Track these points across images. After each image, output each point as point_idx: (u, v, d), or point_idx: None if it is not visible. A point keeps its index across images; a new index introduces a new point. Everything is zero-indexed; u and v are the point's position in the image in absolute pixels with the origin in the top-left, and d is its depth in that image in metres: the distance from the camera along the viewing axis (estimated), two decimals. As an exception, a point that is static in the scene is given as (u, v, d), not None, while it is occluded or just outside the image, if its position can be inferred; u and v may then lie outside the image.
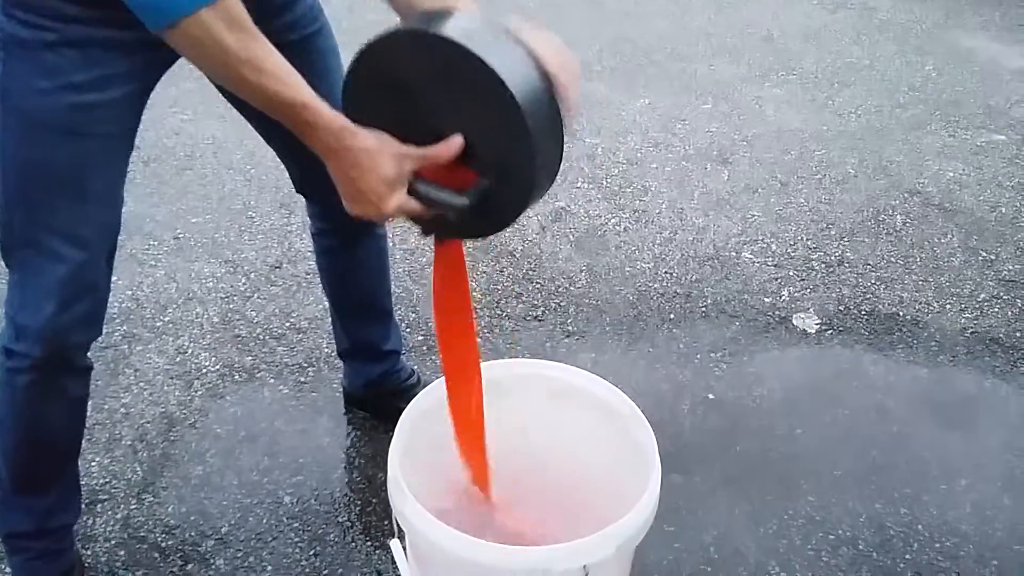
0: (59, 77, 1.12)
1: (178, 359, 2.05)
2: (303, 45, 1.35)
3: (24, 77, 1.13)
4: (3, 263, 1.27)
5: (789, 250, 2.53)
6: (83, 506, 1.56)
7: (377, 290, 1.75)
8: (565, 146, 1.06)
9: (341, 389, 1.94)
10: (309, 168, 1.52)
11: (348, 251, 1.66)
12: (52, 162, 1.17)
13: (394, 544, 1.33)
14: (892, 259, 2.51)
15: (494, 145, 1.03)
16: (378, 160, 1.02)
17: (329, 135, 1.02)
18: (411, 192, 1.05)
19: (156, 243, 2.44)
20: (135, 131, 1.25)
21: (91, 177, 1.20)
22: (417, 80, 1.02)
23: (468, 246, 2.51)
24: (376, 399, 1.87)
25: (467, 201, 1.03)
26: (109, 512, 1.68)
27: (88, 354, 1.35)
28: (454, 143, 1.02)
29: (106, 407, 1.90)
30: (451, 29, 0.99)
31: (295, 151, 1.53)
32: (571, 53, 1.05)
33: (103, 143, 1.20)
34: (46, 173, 1.18)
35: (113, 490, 1.72)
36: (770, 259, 2.49)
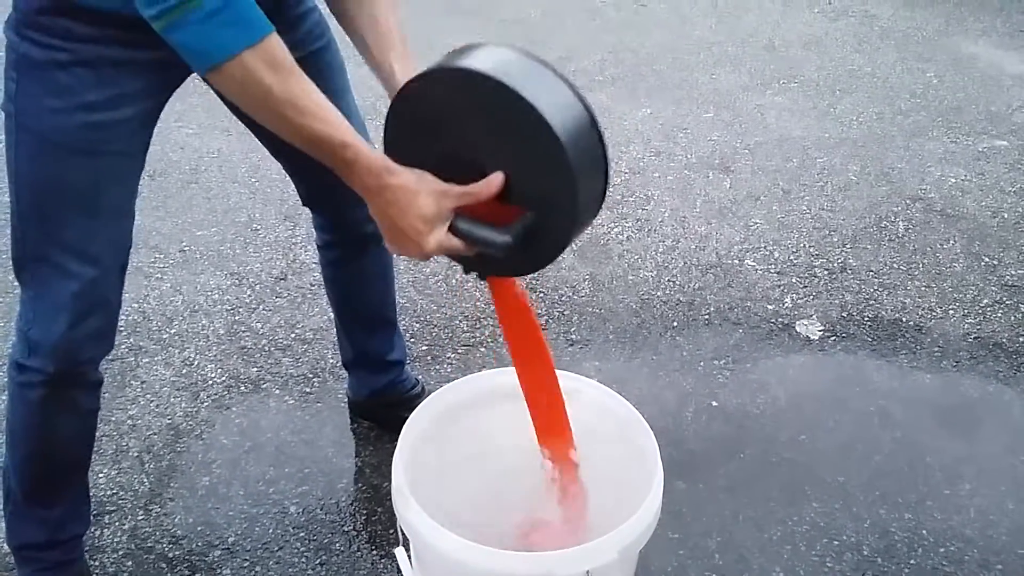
0: (72, 97, 1.14)
1: (184, 371, 2.06)
2: (310, 60, 1.37)
3: (37, 97, 1.15)
4: (16, 279, 1.28)
5: (792, 257, 2.54)
6: (91, 517, 1.57)
7: (382, 301, 1.76)
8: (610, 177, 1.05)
9: (346, 399, 1.95)
10: (315, 181, 1.55)
11: (353, 263, 1.68)
12: (65, 180, 1.18)
13: (399, 552, 1.33)
14: (895, 265, 2.52)
15: (536, 181, 1.01)
16: (417, 199, 1.02)
17: (369, 174, 1.02)
18: (452, 230, 1.04)
19: (162, 256, 2.46)
20: (147, 148, 1.27)
21: (104, 194, 1.22)
22: (457, 117, 1.02)
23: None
24: (381, 409, 1.88)
25: (509, 239, 1.01)
26: (117, 523, 1.69)
27: (99, 368, 1.36)
28: (495, 181, 1.02)
29: (113, 419, 1.91)
30: (489, 65, 0.98)
31: (302, 165, 1.54)
32: None
33: (115, 161, 1.21)
34: (59, 191, 1.19)
35: (120, 501, 1.73)
36: (773, 266, 2.50)
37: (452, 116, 1.02)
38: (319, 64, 1.39)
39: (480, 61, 0.99)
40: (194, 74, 1.30)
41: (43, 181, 1.19)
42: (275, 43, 0.98)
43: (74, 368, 1.31)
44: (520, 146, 1.00)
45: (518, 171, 1.02)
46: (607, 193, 1.07)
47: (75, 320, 1.25)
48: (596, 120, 1.01)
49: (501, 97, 0.96)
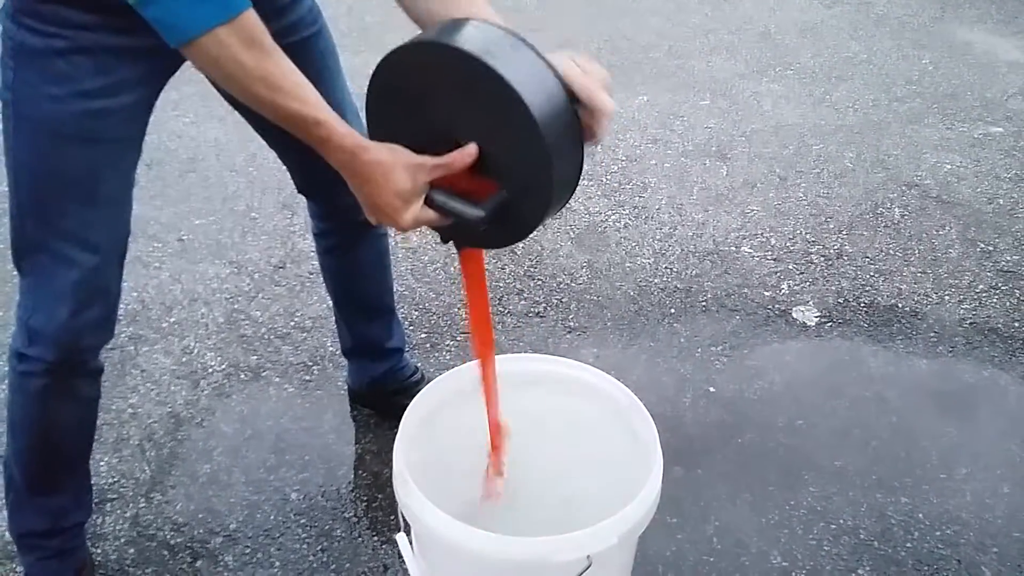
0: (70, 84, 1.14)
1: (184, 359, 2.07)
2: (303, 46, 1.37)
3: (35, 85, 1.15)
4: (15, 268, 1.29)
5: (788, 244, 2.55)
6: (93, 505, 1.58)
7: (379, 288, 1.77)
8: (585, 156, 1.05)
9: (346, 387, 1.95)
10: (310, 169, 1.55)
11: (350, 250, 1.68)
12: (64, 168, 1.19)
13: (400, 538, 1.34)
14: (891, 251, 2.53)
15: (511, 157, 1.02)
16: (391, 174, 1.02)
17: (342, 151, 1.03)
18: (428, 202, 1.05)
19: (161, 245, 2.46)
20: (143, 135, 1.27)
21: (102, 182, 1.22)
22: (435, 92, 1.02)
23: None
24: (380, 396, 1.89)
25: (482, 213, 1.02)
26: (118, 511, 1.70)
27: (99, 356, 1.37)
28: (468, 151, 1.02)
29: (114, 407, 1.92)
30: (466, 40, 0.99)
31: (296, 153, 1.54)
32: (599, 64, 1.04)
33: (113, 148, 1.22)
34: (58, 179, 1.19)
35: (122, 489, 1.74)
36: (769, 253, 2.51)
37: (431, 89, 1.03)
38: (312, 50, 1.39)
39: (461, 37, 1.00)
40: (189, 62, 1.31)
41: (41, 170, 1.20)
42: (251, 20, 0.98)
43: (75, 357, 1.31)
44: (497, 123, 1.00)
45: (494, 146, 1.03)
46: (582, 174, 1.07)
47: (76, 308, 1.25)
48: (573, 100, 1.01)
49: (479, 73, 0.96)
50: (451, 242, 1.17)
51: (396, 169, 1.02)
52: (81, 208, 1.21)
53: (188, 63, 1.29)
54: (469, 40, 0.99)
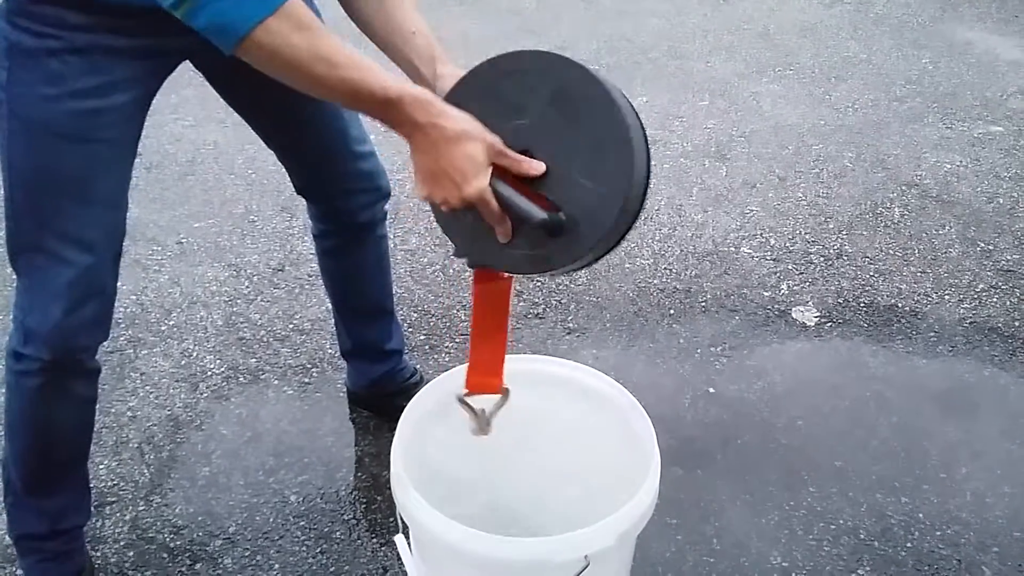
0: (64, 84, 1.14)
1: (183, 362, 2.07)
2: None
3: (29, 85, 1.15)
4: (11, 268, 1.29)
5: (788, 244, 2.55)
6: (92, 508, 1.58)
7: (379, 290, 1.77)
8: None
9: (345, 389, 1.95)
10: (310, 170, 1.55)
11: (349, 252, 1.68)
12: (58, 167, 1.19)
13: (399, 540, 1.34)
14: (890, 251, 2.52)
15: (580, 187, 1.00)
16: (469, 140, 0.99)
17: (419, 108, 0.99)
18: (492, 186, 1.02)
19: (160, 248, 2.46)
20: (139, 136, 1.27)
21: (97, 181, 1.22)
22: (532, 103, 1.02)
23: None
24: (379, 398, 1.89)
25: (545, 217, 0.99)
26: (118, 514, 1.70)
27: (96, 356, 1.37)
28: (538, 164, 1.01)
29: (113, 410, 1.92)
30: (594, 69, 1.01)
31: (296, 153, 1.55)
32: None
33: (108, 148, 1.22)
34: (53, 179, 1.20)
35: (121, 492, 1.74)
36: (769, 253, 2.51)
37: (529, 99, 1.02)
38: None
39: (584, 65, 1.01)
40: (188, 64, 1.31)
41: (36, 169, 1.20)
42: (297, 5, 0.97)
43: (71, 356, 1.31)
44: (585, 150, 0.99)
45: (568, 170, 1.01)
46: (622, 239, 1.07)
47: (70, 307, 1.25)
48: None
49: (597, 103, 0.98)
50: (463, 259, 1.13)
51: (475, 136, 1.00)
52: (76, 207, 1.21)
53: (185, 67, 1.30)
54: (597, 70, 1.01)
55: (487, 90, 1.05)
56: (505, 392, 1.22)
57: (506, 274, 1.14)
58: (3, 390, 1.57)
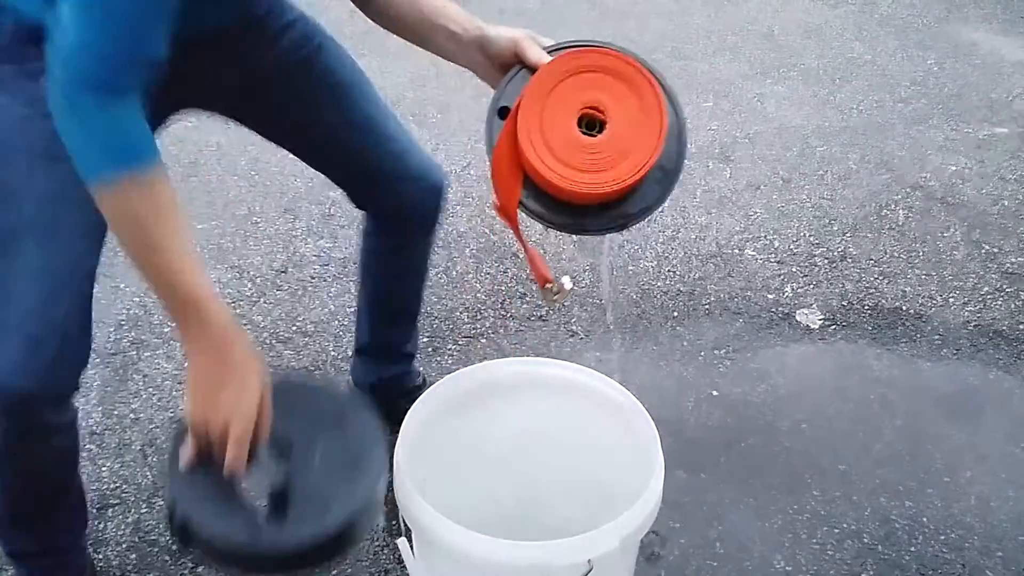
0: (40, 104, 1.05)
1: (186, 364, 2.06)
2: (305, 66, 1.38)
3: (5, 106, 1.14)
4: None
5: (792, 246, 2.54)
6: (94, 511, 1.58)
7: (415, 294, 1.75)
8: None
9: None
10: (365, 184, 1.54)
11: (399, 253, 1.66)
12: (28, 187, 1.14)
13: (401, 542, 1.34)
14: (895, 254, 2.52)
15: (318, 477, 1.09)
16: (254, 379, 1.06)
17: (222, 316, 1.06)
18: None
19: (163, 249, 2.46)
20: None
21: (68, 206, 1.14)
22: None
23: (472, 248, 2.51)
24: (383, 399, 1.88)
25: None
26: (120, 516, 1.69)
27: (69, 403, 1.24)
28: (241, 466, 1.05)
29: (116, 413, 1.91)
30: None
31: (348, 173, 1.54)
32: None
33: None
34: (21, 200, 1.14)
35: (124, 495, 1.74)
36: (773, 256, 2.50)
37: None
38: (316, 66, 1.40)
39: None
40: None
41: (5, 188, 1.14)
42: (154, 176, 1.00)
43: (31, 405, 1.17)
44: (336, 463, 1.11)
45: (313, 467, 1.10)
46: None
47: (29, 349, 1.13)
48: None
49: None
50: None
51: (258, 379, 1.05)
52: (41, 235, 1.14)
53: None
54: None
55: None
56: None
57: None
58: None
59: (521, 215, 1.12)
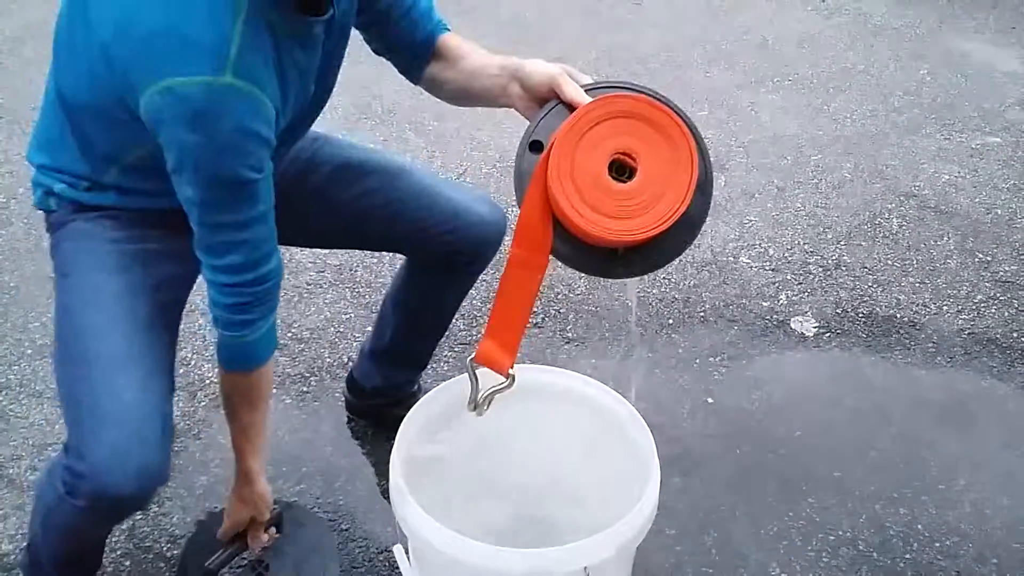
0: (101, 230, 1.32)
1: (181, 370, 2.06)
2: (315, 161, 1.50)
3: (90, 236, 1.32)
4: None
5: (786, 254, 2.55)
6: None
7: (450, 313, 1.74)
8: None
9: (343, 398, 1.95)
10: (414, 248, 1.61)
11: (438, 281, 1.66)
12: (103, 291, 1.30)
13: (397, 550, 1.34)
14: (889, 262, 2.53)
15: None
16: (247, 504, 1.45)
17: (256, 481, 1.44)
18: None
19: (158, 256, 2.46)
20: (182, 304, 1.45)
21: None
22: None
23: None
24: (379, 407, 1.88)
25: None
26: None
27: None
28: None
29: (110, 419, 1.91)
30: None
31: (396, 245, 1.67)
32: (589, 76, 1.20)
33: (152, 273, 1.34)
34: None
35: (118, 501, 1.73)
36: (768, 263, 2.51)
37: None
38: (321, 154, 1.51)
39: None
40: None
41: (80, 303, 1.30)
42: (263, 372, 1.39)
43: (110, 503, 1.21)
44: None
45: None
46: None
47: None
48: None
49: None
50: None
51: (249, 507, 1.45)
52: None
53: None
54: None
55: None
56: (510, 378, 1.19)
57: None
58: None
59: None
